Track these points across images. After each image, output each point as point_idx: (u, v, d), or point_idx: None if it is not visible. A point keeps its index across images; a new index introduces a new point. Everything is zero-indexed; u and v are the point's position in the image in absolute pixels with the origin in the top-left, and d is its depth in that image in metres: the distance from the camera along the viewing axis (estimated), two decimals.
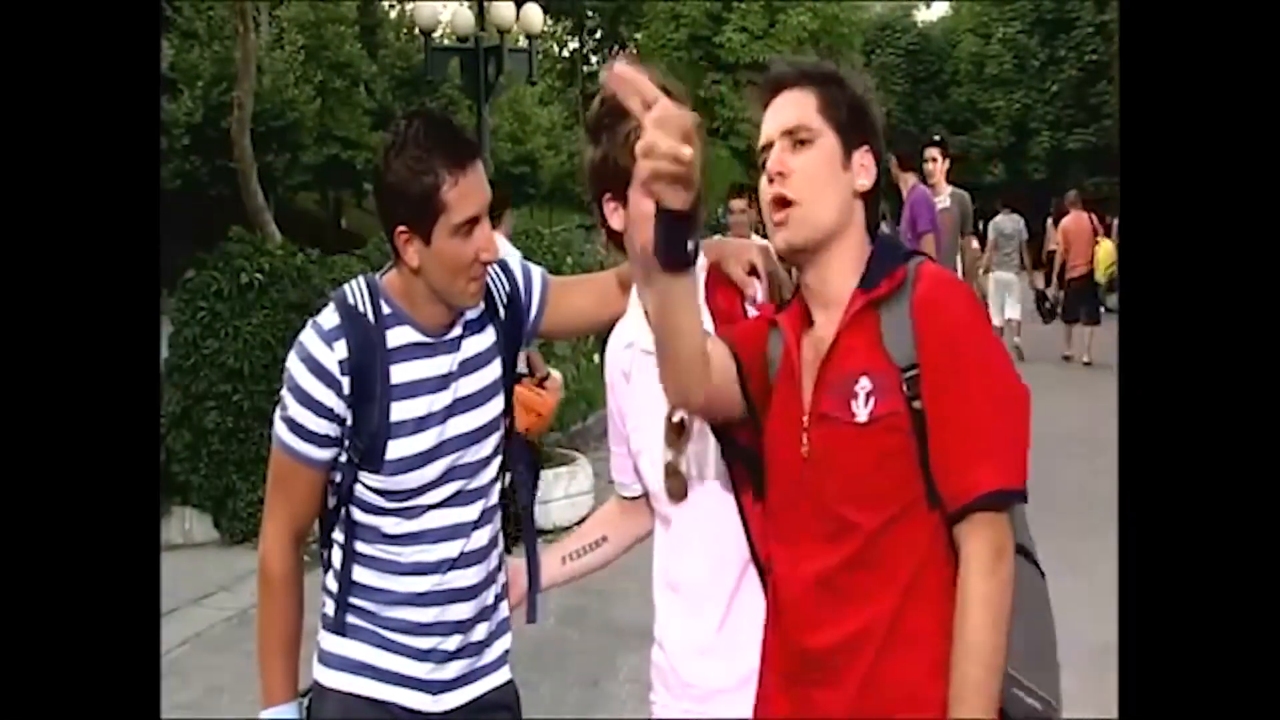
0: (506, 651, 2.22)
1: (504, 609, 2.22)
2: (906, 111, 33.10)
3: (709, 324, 1.93)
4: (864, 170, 1.79)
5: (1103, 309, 13.94)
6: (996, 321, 12.73)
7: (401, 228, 1.93)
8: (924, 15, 37.24)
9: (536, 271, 2.22)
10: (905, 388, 1.67)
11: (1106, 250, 14.18)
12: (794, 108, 1.78)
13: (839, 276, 1.78)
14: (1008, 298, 13.51)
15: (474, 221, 1.93)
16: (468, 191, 1.91)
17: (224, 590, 5.87)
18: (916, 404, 1.67)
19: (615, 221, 1.95)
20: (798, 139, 1.76)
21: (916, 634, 1.69)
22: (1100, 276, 14.04)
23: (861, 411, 1.69)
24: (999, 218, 13.73)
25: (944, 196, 8.61)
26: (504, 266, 2.15)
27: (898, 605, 1.70)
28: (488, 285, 2.09)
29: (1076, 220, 14.02)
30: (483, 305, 2.09)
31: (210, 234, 7.77)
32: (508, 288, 2.14)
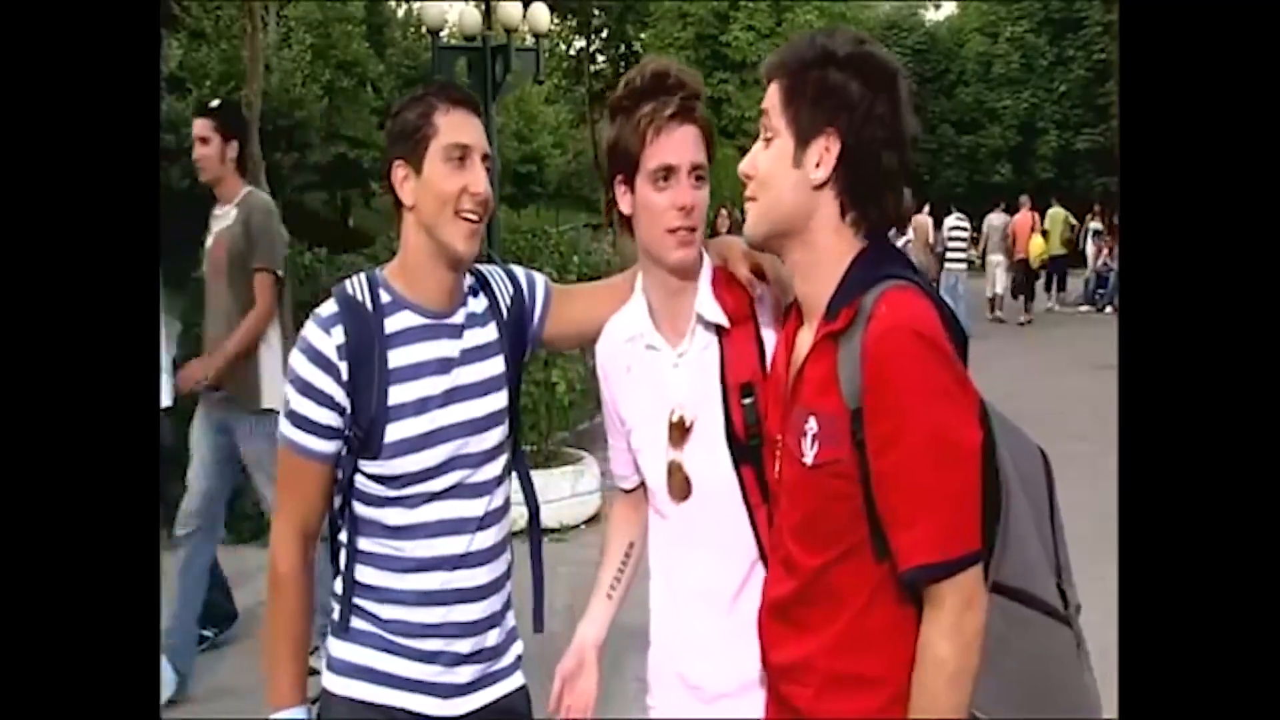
0: (520, 657, 2.22)
1: (511, 618, 2.21)
2: (914, 111, 32.94)
3: (721, 318, 1.93)
4: (823, 160, 1.68)
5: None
6: (989, 292, 18.43)
7: (398, 162, 2.01)
8: (931, 14, 37.17)
9: (540, 279, 2.24)
10: (855, 431, 1.61)
11: (1037, 243, 19.39)
12: (766, 103, 1.76)
13: (815, 285, 1.74)
14: (998, 273, 18.54)
15: (465, 151, 1.99)
16: (459, 121, 2.00)
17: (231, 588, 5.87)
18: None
19: (624, 205, 1.96)
20: (765, 136, 1.75)
21: (860, 675, 1.68)
22: (1033, 263, 19.29)
23: (808, 453, 1.67)
24: (991, 215, 18.98)
25: None
26: (508, 272, 2.19)
27: (838, 644, 1.69)
28: (491, 285, 2.13)
29: (1024, 218, 19.41)
30: (486, 302, 2.12)
31: None
32: (511, 290, 2.17)
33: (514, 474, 2.21)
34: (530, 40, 12.86)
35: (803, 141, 1.70)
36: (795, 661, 1.75)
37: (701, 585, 1.96)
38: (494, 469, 2.12)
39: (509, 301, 2.15)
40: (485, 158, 2.04)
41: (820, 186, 1.70)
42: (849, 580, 1.67)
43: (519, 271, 2.22)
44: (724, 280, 1.98)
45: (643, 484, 2.11)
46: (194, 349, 6.66)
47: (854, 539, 1.65)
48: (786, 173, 1.72)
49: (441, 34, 12.82)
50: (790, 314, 1.85)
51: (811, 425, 1.67)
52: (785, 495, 1.78)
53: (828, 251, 1.72)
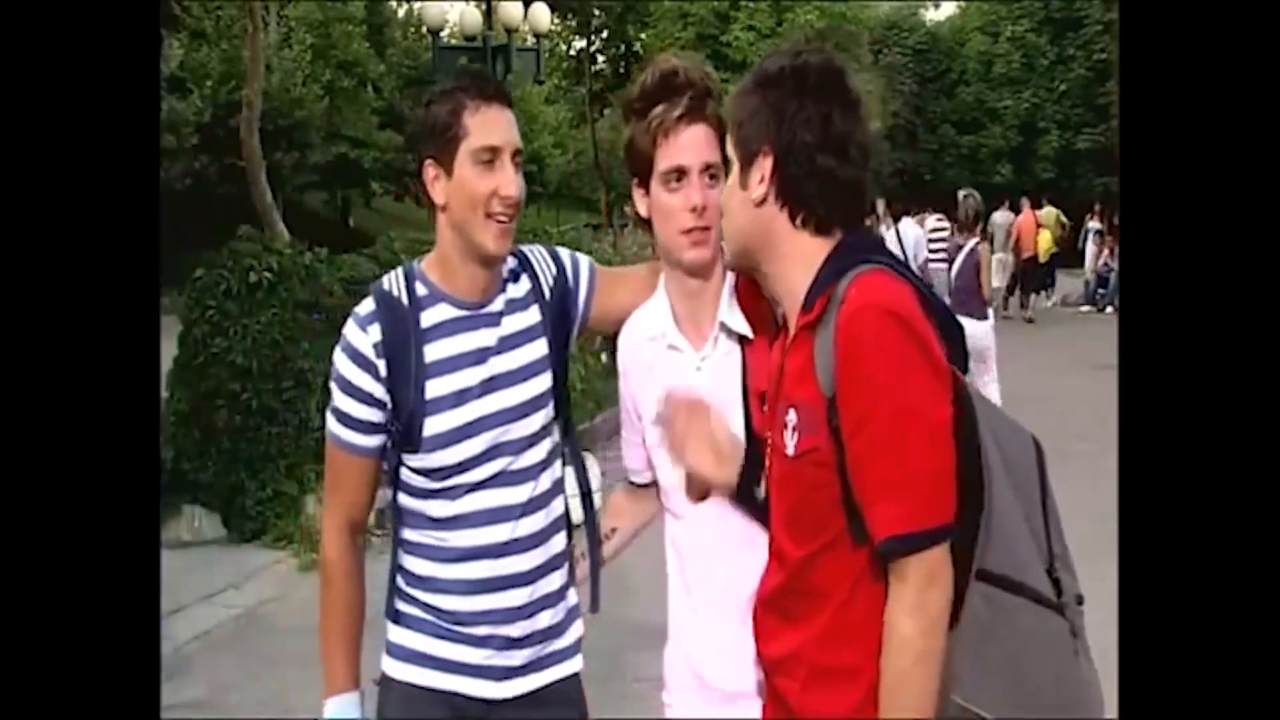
0: (580, 638, 2.22)
1: (572, 595, 2.21)
2: (914, 111, 32.98)
3: (745, 329, 1.94)
4: (763, 177, 1.73)
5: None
6: (996, 283, 17.23)
7: (429, 161, 2.01)
8: (932, 14, 37.12)
9: (584, 259, 2.23)
10: (830, 418, 1.62)
11: (1046, 237, 19.97)
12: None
13: (791, 287, 1.75)
14: (1002, 269, 18.17)
15: (495, 153, 1.97)
16: (489, 120, 1.98)
17: (232, 588, 5.89)
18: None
19: (641, 207, 1.98)
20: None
21: (845, 666, 1.67)
22: (1042, 257, 19.79)
23: (789, 444, 1.70)
24: (996, 214, 19.40)
25: None
26: (553, 254, 2.19)
27: (824, 635, 1.69)
28: (533, 267, 2.14)
29: (1026, 217, 20.00)
30: (528, 285, 2.12)
31: (219, 233, 7.77)
32: (554, 271, 2.17)
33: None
34: (531, 40, 12.88)
35: (746, 164, 1.75)
36: (785, 654, 1.76)
37: (719, 586, 1.96)
38: (537, 454, 2.11)
39: (551, 282, 2.15)
40: (517, 153, 2.02)
41: (762, 202, 1.74)
42: (832, 571, 1.68)
43: (563, 252, 2.21)
44: (746, 286, 1.97)
45: (654, 482, 2.11)
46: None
47: (835, 529, 1.66)
48: (735, 195, 1.78)
49: (442, 34, 12.85)
50: (782, 324, 1.86)
51: (791, 417, 1.69)
52: (774, 489, 1.80)
53: (794, 258, 1.74)
